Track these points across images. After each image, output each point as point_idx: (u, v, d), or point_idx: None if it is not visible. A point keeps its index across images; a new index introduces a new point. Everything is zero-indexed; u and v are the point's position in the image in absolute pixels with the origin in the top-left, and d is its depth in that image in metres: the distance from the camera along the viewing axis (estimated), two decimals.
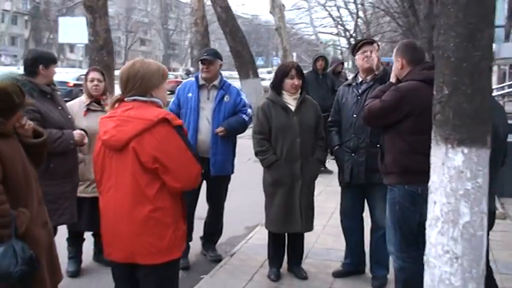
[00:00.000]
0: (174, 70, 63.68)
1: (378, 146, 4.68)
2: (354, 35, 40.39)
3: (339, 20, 42.01)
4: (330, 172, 8.51)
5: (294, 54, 39.24)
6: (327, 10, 40.95)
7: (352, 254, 5.16)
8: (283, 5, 24.65)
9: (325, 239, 6.13)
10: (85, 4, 11.56)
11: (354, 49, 5.02)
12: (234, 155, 5.63)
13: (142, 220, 3.10)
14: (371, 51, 4.84)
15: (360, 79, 4.99)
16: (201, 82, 5.44)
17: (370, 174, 4.79)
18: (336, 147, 5.04)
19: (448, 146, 2.83)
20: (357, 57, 4.96)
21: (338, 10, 41.60)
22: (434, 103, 2.90)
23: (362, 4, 39.43)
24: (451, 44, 2.80)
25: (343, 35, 43.86)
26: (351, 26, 41.97)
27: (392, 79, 4.28)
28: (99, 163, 3.25)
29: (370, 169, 4.75)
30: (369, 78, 4.91)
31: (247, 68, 17.95)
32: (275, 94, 4.96)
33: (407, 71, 4.11)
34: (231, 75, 24.20)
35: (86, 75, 5.03)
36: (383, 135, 4.23)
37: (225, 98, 5.45)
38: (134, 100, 3.19)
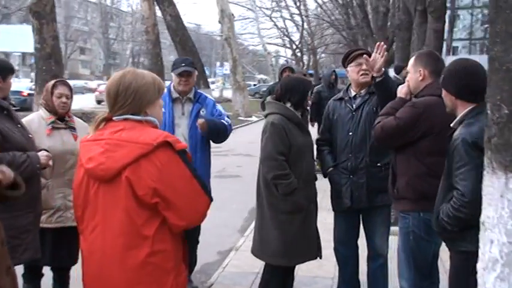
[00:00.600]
0: None
1: (378, 164, 4.30)
2: (299, 46, 40.48)
3: (284, 31, 41.98)
4: None
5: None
6: (272, 21, 40.89)
7: (346, 285, 4.70)
8: (232, 15, 24.24)
9: (308, 266, 5.62)
10: (31, 9, 10.74)
11: (346, 59, 4.57)
12: (209, 177, 5.10)
13: (138, 266, 2.52)
14: (366, 64, 4.40)
15: (353, 93, 4.55)
16: (175, 95, 4.91)
17: (372, 197, 4.38)
18: (331, 169, 4.55)
19: (508, 175, 2.41)
20: (349, 69, 4.52)
21: (284, 21, 41.63)
22: (490, 124, 2.48)
23: (306, 16, 39.57)
24: (511, 54, 2.38)
25: (288, 46, 43.91)
26: (296, 37, 42.05)
27: (403, 94, 3.86)
28: (81, 196, 2.66)
29: (372, 191, 4.35)
30: (363, 91, 4.49)
31: (197, 78, 17.44)
32: (286, 108, 4.30)
33: (427, 83, 3.72)
34: None
35: (52, 88, 4.35)
36: (395, 156, 3.83)
37: (201, 112, 4.94)
38: (125, 120, 2.63)
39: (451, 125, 3.17)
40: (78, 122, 4.54)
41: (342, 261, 4.69)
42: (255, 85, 48.65)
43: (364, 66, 4.38)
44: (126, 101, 2.62)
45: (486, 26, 38.47)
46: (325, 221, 4.92)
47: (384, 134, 3.75)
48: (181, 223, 2.59)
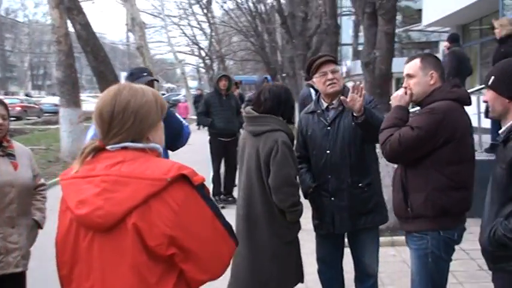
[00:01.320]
0: (13, 94, 59.48)
1: (360, 185, 3.92)
2: (208, 53, 40.05)
3: (193, 38, 41.39)
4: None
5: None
6: (181, 29, 40.19)
7: None
8: (143, 23, 23.38)
9: None
10: None
11: (309, 69, 4.10)
12: None
13: None
14: (333, 72, 3.98)
15: (325, 104, 4.10)
16: None
17: (355, 220, 3.98)
18: (311, 190, 4.09)
19: None
20: (315, 79, 4.08)
21: (192, 29, 41.06)
22: None
23: (213, 23, 39.23)
24: None
25: (197, 54, 43.35)
26: (205, 44, 41.58)
27: (404, 102, 3.46)
28: (68, 251, 2.03)
29: (355, 214, 3.95)
30: (335, 102, 4.05)
31: None
32: (286, 125, 3.87)
33: (437, 87, 3.38)
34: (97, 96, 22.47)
35: None
36: (405, 171, 3.41)
37: None
38: (124, 149, 2.04)
39: (500, 131, 2.87)
40: (18, 147, 3.81)
41: (326, 284, 4.29)
42: (163, 94, 47.68)
43: (330, 76, 3.95)
44: (124, 125, 2.03)
45: None
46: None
47: (403, 148, 3.29)
48: (203, 277, 2.02)
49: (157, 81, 4.39)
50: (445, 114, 3.23)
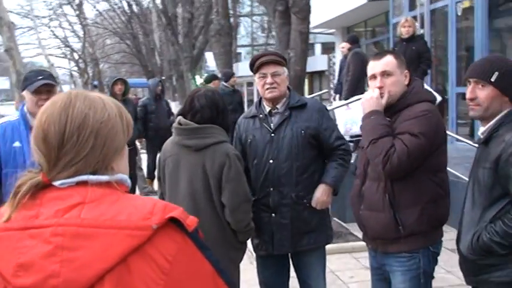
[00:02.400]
0: None
1: (305, 201, 3.49)
2: (82, 56, 38.19)
3: (65, 40, 39.26)
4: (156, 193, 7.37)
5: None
6: (51, 31, 37.93)
7: None
8: (12, 23, 21.60)
9: None
10: None
11: (252, 68, 3.62)
12: None
13: None
14: (273, 76, 3.51)
15: (267, 108, 3.63)
16: (34, 123, 3.50)
17: (297, 240, 3.54)
18: None
19: None
20: (256, 79, 3.60)
21: (63, 31, 38.91)
22: None
23: (86, 24, 37.52)
24: None
25: (69, 57, 41.22)
26: (77, 47, 39.56)
27: (380, 106, 3.00)
28: None
29: (297, 233, 3.52)
30: (280, 106, 3.58)
31: None
32: (227, 136, 3.45)
33: (409, 88, 3.04)
34: None
35: None
36: (391, 187, 2.95)
37: None
38: (81, 184, 1.41)
39: (480, 131, 2.67)
40: None
41: None
42: None
43: (269, 79, 3.48)
44: (81, 151, 1.39)
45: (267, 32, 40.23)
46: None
47: (412, 159, 2.82)
48: None
49: (56, 84, 3.66)
50: (437, 117, 2.94)
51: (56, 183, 1.39)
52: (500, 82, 2.53)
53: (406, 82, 3.01)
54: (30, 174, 1.44)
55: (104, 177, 1.41)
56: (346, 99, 8.31)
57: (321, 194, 3.50)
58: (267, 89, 3.50)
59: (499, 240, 2.43)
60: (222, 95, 3.80)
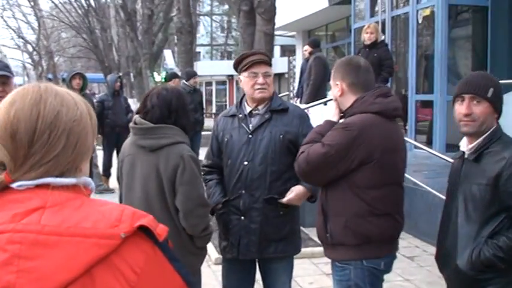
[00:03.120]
0: None
1: (280, 206, 3.41)
2: (36, 48, 37.29)
3: (18, 32, 38.27)
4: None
5: None
6: (4, 21, 36.90)
7: None
8: None
9: None
10: None
11: (238, 65, 3.50)
12: None
13: None
14: (265, 76, 3.43)
15: (248, 108, 3.52)
16: None
17: (264, 246, 3.43)
18: (219, 206, 3.46)
19: None
20: (242, 78, 3.48)
21: (17, 21, 37.93)
22: None
23: (41, 16, 36.66)
24: None
25: (23, 49, 40.21)
26: (32, 38, 38.63)
27: (333, 115, 3.05)
28: None
29: (265, 239, 3.42)
30: (261, 108, 3.48)
31: None
32: (186, 136, 3.30)
33: (351, 99, 2.95)
34: None
35: None
36: (325, 191, 2.97)
37: None
38: (42, 187, 1.29)
39: (467, 148, 2.66)
40: None
41: None
42: None
43: (261, 79, 3.38)
44: (51, 150, 1.27)
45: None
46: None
47: (311, 168, 2.85)
48: None
49: (12, 75, 3.48)
50: (360, 131, 2.79)
51: (14, 185, 1.26)
52: (494, 98, 2.55)
53: (339, 94, 2.98)
54: None
55: (69, 180, 1.29)
56: (306, 103, 8.29)
57: (295, 194, 3.38)
58: (258, 89, 3.39)
59: (502, 256, 2.46)
60: None
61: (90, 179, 1.35)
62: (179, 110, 3.15)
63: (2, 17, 36.37)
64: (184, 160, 3.00)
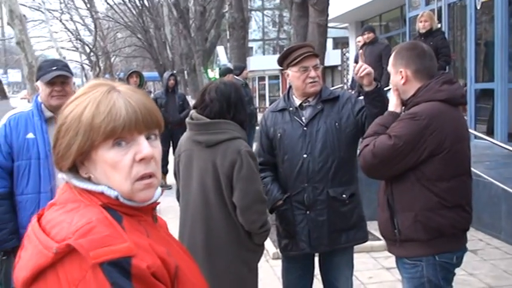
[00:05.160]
0: None
1: (344, 196, 3.34)
2: (94, 49, 38.17)
3: (76, 34, 39.24)
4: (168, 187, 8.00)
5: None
6: (63, 24, 37.92)
7: None
8: (24, 16, 21.59)
9: None
10: None
11: (285, 59, 3.44)
12: None
13: None
14: (315, 69, 3.38)
15: (298, 101, 3.47)
16: (48, 114, 3.39)
17: (334, 237, 3.38)
18: (280, 203, 3.42)
19: None
20: (290, 73, 3.42)
21: (75, 24, 38.90)
22: None
23: (97, 18, 37.49)
24: None
25: (81, 50, 41.24)
26: (89, 40, 39.55)
27: (394, 106, 2.95)
28: None
29: (335, 230, 3.36)
30: (312, 99, 3.44)
31: None
32: (243, 131, 3.27)
33: (415, 87, 2.83)
34: None
35: None
36: (390, 185, 2.87)
37: None
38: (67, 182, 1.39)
39: None
40: None
41: None
42: None
43: (312, 73, 3.34)
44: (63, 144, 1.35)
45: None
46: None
47: (378, 161, 2.77)
48: None
49: (71, 75, 3.53)
50: (430, 120, 2.69)
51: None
52: None
53: (402, 82, 2.87)
54: None
55: (79, 183, 1.33)
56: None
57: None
58: (310, 83, 3.35)
59: None
60: None
61: (102, 188, 1.31)
62: (238, 103, 3.12)
63: (60, 21, 37.34)
64: (241, 156, 2.97)
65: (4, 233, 3.24)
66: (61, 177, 1.37)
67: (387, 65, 3.11)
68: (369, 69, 3.14)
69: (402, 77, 2.87)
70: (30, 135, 3.34)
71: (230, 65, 12.12)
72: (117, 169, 1.29)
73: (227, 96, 3.09)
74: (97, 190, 1.30)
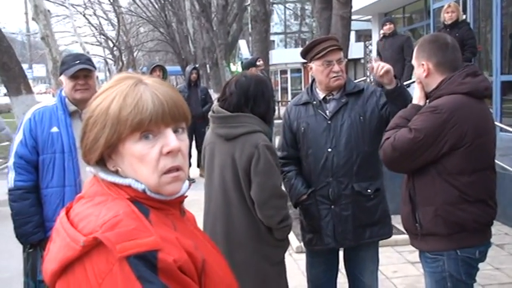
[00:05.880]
0: None
1: (369, 191, 3.31)
2: (117, 44, 38.40)
3: (100, 29, 39.51)
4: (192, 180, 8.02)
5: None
6: (86, 19, 38.17)
7: None
8: (48, 11, 21.77)
9: None
10: None
11: (308, 52, 3.41)
12: None
13: None
14: (339, 63, 3.34)
15: (321, 95, 3.44)
16: (72, 108, 3.41)
17: (359, 232, 3.37)
18: (304, 197, 3.40)
19: None
20: (314, 66, 3.38)
21: (98, 19, 39.15)
22: None
23: (121, 12, 37.67)
24: None
25: (105, 45, 41.51)
26: (112, 35, 39.76)
27: (417, 98, 2.93)
28: None
29: (359, 225, 3.35)
30: (336, 92, 3.40)
31: (17, 82, 15.16)
32: (265, 124, 3.22)
33: (438, 80, 2.80)
34: None
35: None
36: (412, 179, 2.85)
37: None
38: (95, 176, 1.39)
39: None
40: None
41: None
42: None
43: (336, 67, 3.31)
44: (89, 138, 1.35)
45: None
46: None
47: (398, 154, 2.76)
48: None
49: (94, 68, 3.53)
50: (451, 113, 2.65)
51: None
52: None
53: (425, 75, 2.85)
54: None
55: (107, 176, 1.33)
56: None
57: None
58: (334, 77, 3.33)
59: None
60: None
61: (130, 181, 1.31)
62: (257, 97, 3.08)
63: (84, 16, 37.57)
64: (259, 150, 2.94)
65: (30, 226, 3.28)
66: (89, 170, 1.37)
67: (410, 57, 3.08)
68: (388, 66, 3.12)
69: (424, 70, 2.85)
70: (55, 129, 3.37)
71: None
72: (144, 162, 1.28)
73: (245, 90, 3.06)
74: (124, 183, 1.30)
